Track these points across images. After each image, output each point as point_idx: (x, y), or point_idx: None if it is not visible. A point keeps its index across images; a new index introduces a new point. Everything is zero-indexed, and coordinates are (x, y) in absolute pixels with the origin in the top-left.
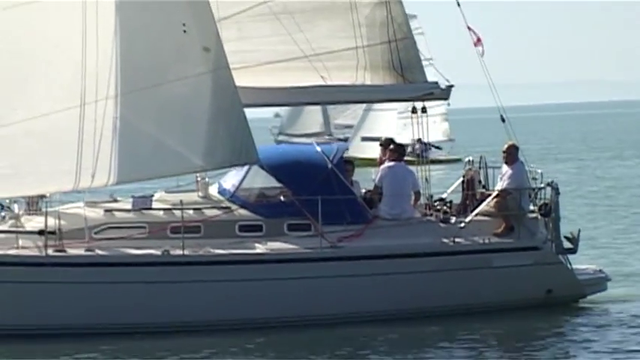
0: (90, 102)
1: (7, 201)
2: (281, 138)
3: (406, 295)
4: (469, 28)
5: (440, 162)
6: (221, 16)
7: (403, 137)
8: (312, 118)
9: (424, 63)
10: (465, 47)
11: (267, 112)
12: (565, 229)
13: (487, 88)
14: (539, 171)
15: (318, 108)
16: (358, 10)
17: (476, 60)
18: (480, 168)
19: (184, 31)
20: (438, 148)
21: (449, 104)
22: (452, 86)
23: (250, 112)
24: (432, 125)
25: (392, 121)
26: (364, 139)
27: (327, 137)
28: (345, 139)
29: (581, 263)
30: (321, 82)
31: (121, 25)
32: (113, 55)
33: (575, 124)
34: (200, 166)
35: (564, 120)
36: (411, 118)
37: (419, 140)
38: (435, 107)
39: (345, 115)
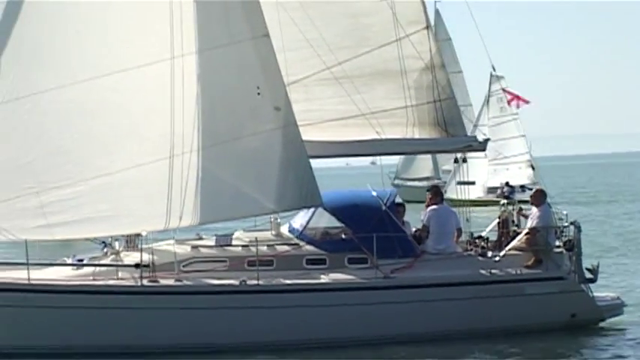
0: (177, 154)
1: (110, 239)
2: (397, 182)
3: (449, 319)
4: (504, 90)
5: (525, 202)
6: (290, 81)
7: (493, 181)
8: (423, 164)
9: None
10: (550, 102)
11: (365, 160)
12: (587, 261)
13: (576, 138)
14: (565, 212)
15: (429, 156)
16: (408, 75)
17: (566, 114)
18: (513, 210)
19: (258, 94)
20: (530, 189)
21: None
22: (488, 139)
23: (348, 161)
24: (518, 171)
25: (483, 168)
26: (459, 182)
27: (436, 181)
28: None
29: (601, 291)
30: (376, 137)
31: (203, 89)
32: (197, 114)
33: None
34: (272, 209)
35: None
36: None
37: (507, 184)
38: (520, 155)
39: (451, 162)
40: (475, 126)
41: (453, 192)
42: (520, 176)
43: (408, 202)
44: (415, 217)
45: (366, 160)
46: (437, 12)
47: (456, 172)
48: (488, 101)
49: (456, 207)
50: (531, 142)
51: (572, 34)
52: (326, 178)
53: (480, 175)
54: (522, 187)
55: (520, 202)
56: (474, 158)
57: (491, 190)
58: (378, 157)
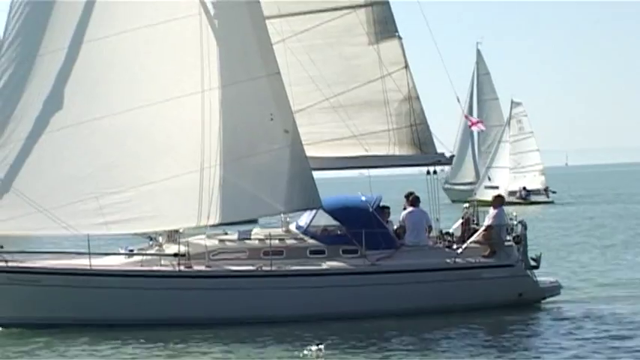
0: (206, 167)
1: (154, 234)
2: (446, 186)
3: (421, 298)
4: (465, 117)
5: (538, 203)
6: (296, 109)
7: (513, 186)
8: (467, 172)
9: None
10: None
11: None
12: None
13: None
14: (515, 213)
15: (472, 165)
16: (390, 105)
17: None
18: (474, 212)
19: (271, 119)
20: (553, 192)
21: (567, 164)
22: (453, 156)
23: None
24: (533, 178)
25: (506, 175)
26: (487, 187)
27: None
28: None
29: (544, 276)
30: (365, 153)
31: (227, 116)
32: (222, 136)
33: None
34: (282, 211)
35: None
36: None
37: (524, 188)
38: (535, 165)
39: (490, 169)
40: (499, 142)
41: (482, 194)
42: (534, 182)
43: (455, 201)
44: (458, 214)
45: (375, 171)
46: (478, 52)
47: (484, 178)
48: (509, 123)
49: (484, 206)
50: (545, 154)
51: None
52: (344, 185)
53: (503, 181)
54: (546, 190)
55: (533, 203)
56: (498, 168)
57: (511, 193)
58: (433, 167)
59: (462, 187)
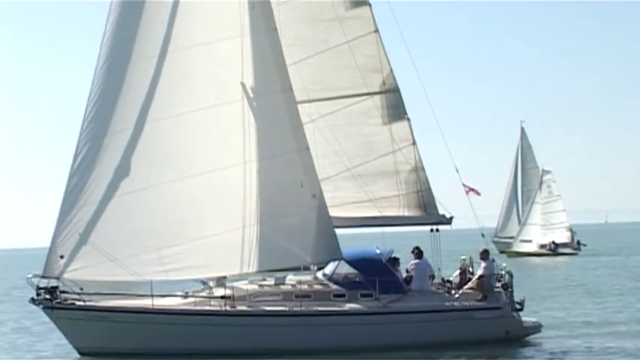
0: (247, 225)
1: (206, 279)
2: (495, 239)
3: (425, 334)
4: (464, 185)
5: (565, 254)
6: (322, 177)
7: (544, 240)
8: (512, 228)
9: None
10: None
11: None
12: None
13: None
14: (504, 264)
15: (516, 221)
16: (400, 175)
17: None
18: (470, 263)
19: (301, 186)
20: (584, 245)
21: (606, 221)
22: (452, 217)
23: (413, 228)
24: (560, 234)
25: (538, 231)
26: (522, 241)
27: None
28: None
29: (527, 317)
30: (379, 214)
31: (263, 183)
32: (259, 200)
33: None
34: (310, 262)
35: None
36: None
37: (553, 242)
38: (561, 223)
39: (525, 227)
40: (532, 203)
41: (518, 247)
42: (561, 237)
43: (503, 252)
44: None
45: (388, 228)
46: (522, 129)
47: (519, 234)
48: (540, 187)
49: (519, 257)
50: (586, 213)
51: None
52: (362, 240)
53: (535, 236)
54: (578, 242)
55: (561, 254)
56: (532, 225)
57: (542, 246)
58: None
59: (506, 240)
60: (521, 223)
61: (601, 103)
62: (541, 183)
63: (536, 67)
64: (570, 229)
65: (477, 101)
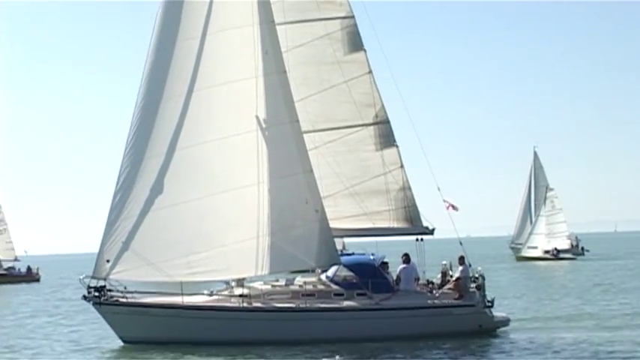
0: (260, 236)
1: (228, 280)
2: (512, 245)
3: (411, 327)
4: (445, 201)
5: (565, 259)
6: (324, 195)
7: (548, 246)
8: (526, 234)
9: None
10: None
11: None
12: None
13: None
14: (479, 268)
15: (529, 230)
16: (390, 193)
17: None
18: (450, 267)
19: (306, 202)
20: (587, 250)
21: (615, 230)
22: (434, 229)
23: (401, 238)
24: (562, 241)
25: (543, 239)
26: (529, 247)
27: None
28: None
29: (498, 312)
30: (373, 226)
31: (273, 201)
32: (271, 214)
33: None
34: (314, 266)
35: None
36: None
37: (555, 248)
38: (562, 232)
39: (533, 235)
40: (538, 216)
41: (526, 252)
42: (563, 244)
43: (519, 258)
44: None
45: (380, 238)
46: (535, 153)
47: (527, 240)
48: (545, 202)
49: (527, 260)
50: (597, 224)
51: None
52: (359, 247)
53: (540, 243)
54: (583, 248)
55: (563, 259)
56: (538, 234)
57: (546, 252)
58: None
59: (519, 247)
60: (529, 233)
61: (611, 123)
62: (545, 199)
63: (547, 94)
64: (576, 237)
65: (494, 126)
